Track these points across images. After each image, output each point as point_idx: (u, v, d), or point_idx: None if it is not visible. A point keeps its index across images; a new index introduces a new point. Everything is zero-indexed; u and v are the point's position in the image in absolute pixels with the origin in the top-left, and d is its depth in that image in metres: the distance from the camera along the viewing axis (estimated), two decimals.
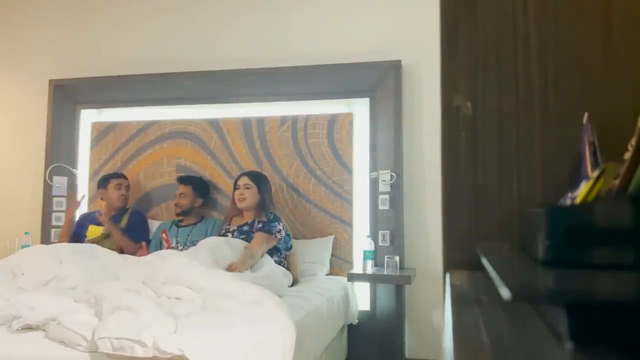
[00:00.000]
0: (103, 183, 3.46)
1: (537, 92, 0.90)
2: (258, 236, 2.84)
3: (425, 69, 3.30)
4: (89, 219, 3.46)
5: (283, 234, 2.93)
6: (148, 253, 3.07)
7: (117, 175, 3.51)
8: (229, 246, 2.70)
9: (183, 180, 3.40)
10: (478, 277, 0.81)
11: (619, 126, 0.76)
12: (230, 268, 2.50)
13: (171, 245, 3.16)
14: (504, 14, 0.91)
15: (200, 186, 3.43)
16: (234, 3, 3.67)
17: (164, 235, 3.14)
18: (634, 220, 0.49)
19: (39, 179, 3.75)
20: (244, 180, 3.10)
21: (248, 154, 3.51)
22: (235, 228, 3.03)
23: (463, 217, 0.91)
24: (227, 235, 2.99)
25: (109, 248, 2.98)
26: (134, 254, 3.13)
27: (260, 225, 2.93)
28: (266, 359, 1.66)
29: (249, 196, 3.05)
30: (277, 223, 2.92)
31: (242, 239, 2.88)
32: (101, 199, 3.45)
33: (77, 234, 3.41)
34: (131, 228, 3.36)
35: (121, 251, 3.20)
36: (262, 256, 2.78)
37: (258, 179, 3.13)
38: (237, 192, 3.09)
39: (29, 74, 3.94)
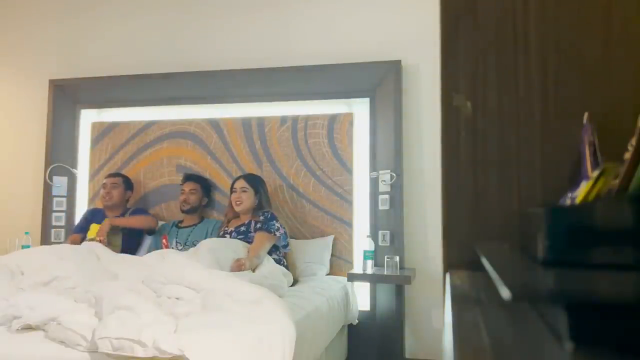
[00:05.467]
0: None
1: (537, 92, 0.90)
2: (259, 236, 2.84)
3: (425, 69, 3.29)
4: (94, 219, 3.44)
5: (282, 232, 2.94)
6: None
7: (109, 175, 3.52)
8: (229, 247, 2.70)
9: (192, 178, 3.41)
10: (478, 277, 0.81)
11: (619, 126, 0.76)
12: (237, 262, 2.51)
13: (170, 247, 3.16)
14: (504, 14, 0.91)
15: (206, 185, 3.45)
16: (234, 3, 3.67)
17: (164, 240, 3.14)
18: (634, 220, 0.49)
19: (39, 179, 3.75)
20: (241, 183, 3.10)
21: (248, 153, 3.51)
22: (232, 229, 3.03)
23: (463, 217, 0.91)
24: (225, 237, 2.99)
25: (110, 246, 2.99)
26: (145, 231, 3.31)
27: (258, 225, 2.93)
28: (266, 359, 1.66)
29: (246, 199, 3.05)
30: (274, 221, 2.93)
31: (240, 239, 2.88)
32: None
33: (82, 231, 3.40)
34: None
35: (124, 248, 3.21)
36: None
37: (255, 181, 3.13)
38: (234, 195, 3.09)
39: (29, 74, 3.94)
